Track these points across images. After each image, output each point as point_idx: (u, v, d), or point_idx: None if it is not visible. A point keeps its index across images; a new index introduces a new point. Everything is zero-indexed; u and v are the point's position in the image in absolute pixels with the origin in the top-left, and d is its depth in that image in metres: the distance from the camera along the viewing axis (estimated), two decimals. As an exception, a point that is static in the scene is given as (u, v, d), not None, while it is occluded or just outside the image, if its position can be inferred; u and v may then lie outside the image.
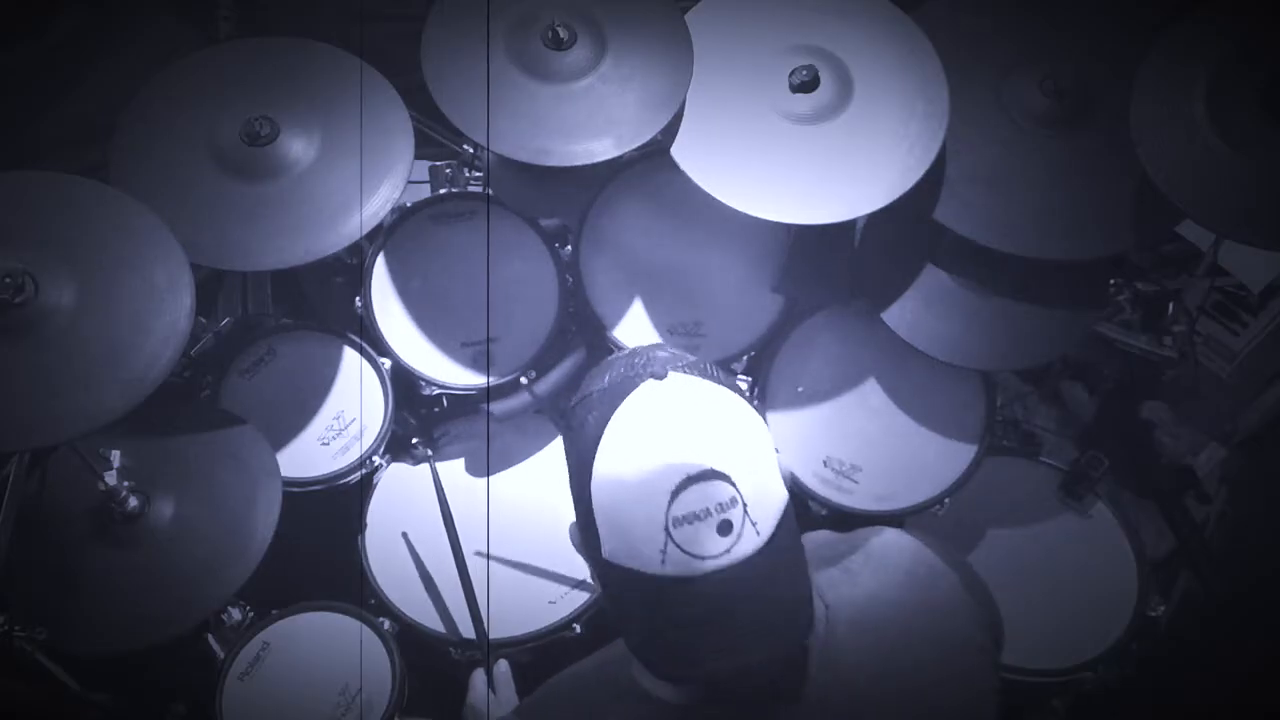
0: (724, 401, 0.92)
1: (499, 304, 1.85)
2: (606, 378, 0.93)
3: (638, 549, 0.88)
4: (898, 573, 1.06)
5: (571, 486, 0.95)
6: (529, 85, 1.62)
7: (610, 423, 0.88)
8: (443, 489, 1.69)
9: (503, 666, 1.38)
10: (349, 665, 1.56)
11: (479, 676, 1.35)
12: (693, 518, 0.87)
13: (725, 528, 0.88)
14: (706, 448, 0.87)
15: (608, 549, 0.90)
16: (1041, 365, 2.25)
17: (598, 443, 0.88)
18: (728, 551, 0.88)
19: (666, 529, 0.86)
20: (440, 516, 1.66)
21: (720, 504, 0.87)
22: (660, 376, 0.90)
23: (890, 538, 1.10)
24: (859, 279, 1.79)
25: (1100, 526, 1.85)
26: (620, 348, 1.82)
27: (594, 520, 0.90)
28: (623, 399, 0.89)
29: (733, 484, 0.88)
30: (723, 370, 0.96)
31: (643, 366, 0.92)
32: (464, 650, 1.63)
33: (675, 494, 0.86)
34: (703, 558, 0.87)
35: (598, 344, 1.86)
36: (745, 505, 0.89)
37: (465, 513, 1.76)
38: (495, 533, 1.74)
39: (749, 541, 0.89)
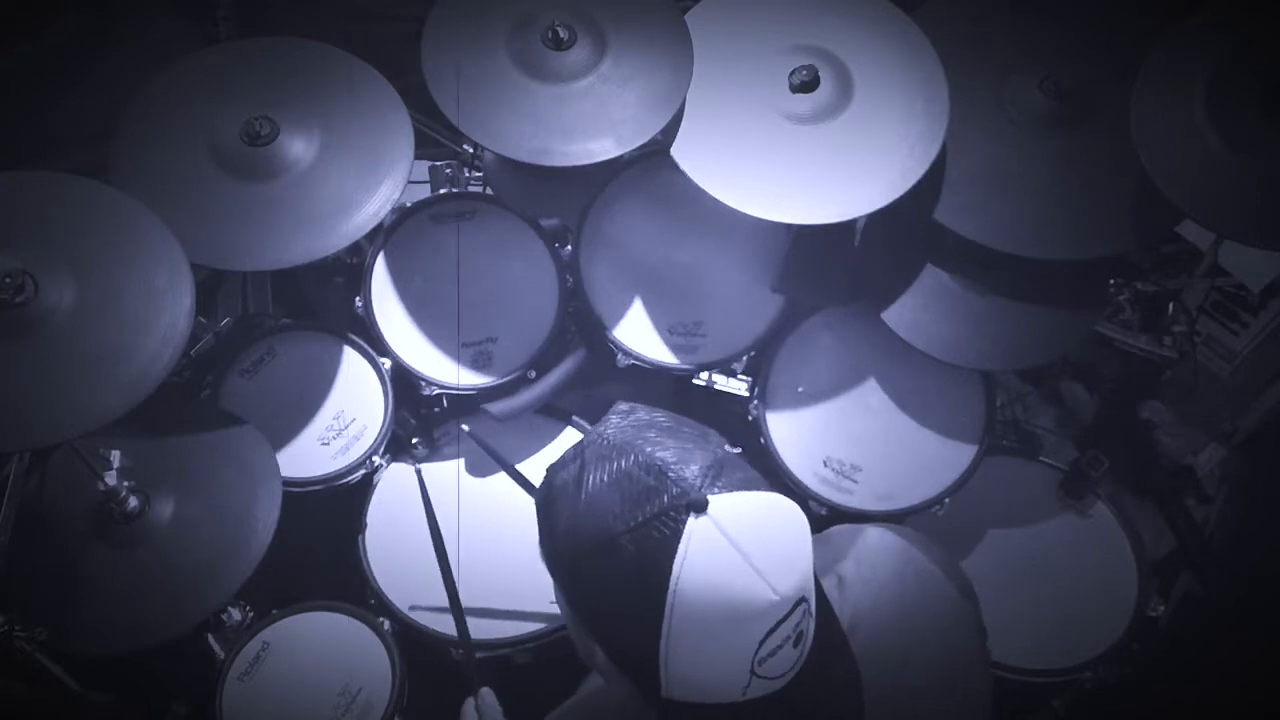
0: (768, 511, 0.86)
1: (499, 304, 1.85)
2: (612, 488, 0.84)
3: (715, 691, 0.84)
4: (889, 578, 1.05)
5: (580, 598, 0.89)
6: (529, 85, 1.62)
7: (675, 582, 0.80)
8: (430, 500, 1.60)
9: (488, 697, 1.33)
10: (349, 665, 1.56)
11: (469, 708, 1.34)
12: (776, 649, 0.83)
13: (799, 639, 0.85)
14: (781, 580, 0.82)
15: (673, 692, 0.85)
16: (1041, 365, 2.25)
17: (655, 594, 0.81)
18: (800, 655, 0.86)
19: (752, 670, 0.83)
20: (429, 527, 1.61)
21: (797, 623, 0.84)
22: (699, 506, 0.82)
23: (874, 540, 1.09)
24: (859, 279, 1.79)
25: (1100, 526, 1.85)
26: (620, 347, 1.82)
27: (653, 667, 0.83)
28: (672, 549, 0.81)
29: (807, 599, 0.85)
30: (723, 445, 0.90)
31: (666, 490, 0.83)
32: (464, 650, 1.63)
33: (763, 640, 0.82)
34: (783, 675, 0.85)
35: (598, 344, 1.86)
36: (810, 607, 0.86)
37: (465, 512, 1.76)
38: (493, 533, 1.74)
39: (811, 633, 0.87)
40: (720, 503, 0.82)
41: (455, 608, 1.47)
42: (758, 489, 0.86)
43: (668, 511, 0.82)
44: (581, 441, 0.92)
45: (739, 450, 0.91)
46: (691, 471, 0.84)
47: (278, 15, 2.17)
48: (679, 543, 0.81)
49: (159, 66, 1.66)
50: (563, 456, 0.93)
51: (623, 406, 0.95)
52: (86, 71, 2.06)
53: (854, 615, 1.00)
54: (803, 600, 0.84)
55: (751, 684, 0.83)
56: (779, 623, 0.82)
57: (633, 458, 0.86)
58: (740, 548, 0.81)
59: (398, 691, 1.54)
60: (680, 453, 0.86)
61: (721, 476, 0.85)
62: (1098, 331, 1.85)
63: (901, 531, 1.11)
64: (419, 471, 1.64)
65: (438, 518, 1.52)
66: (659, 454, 0.86)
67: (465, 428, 1.70)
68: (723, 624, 0.81)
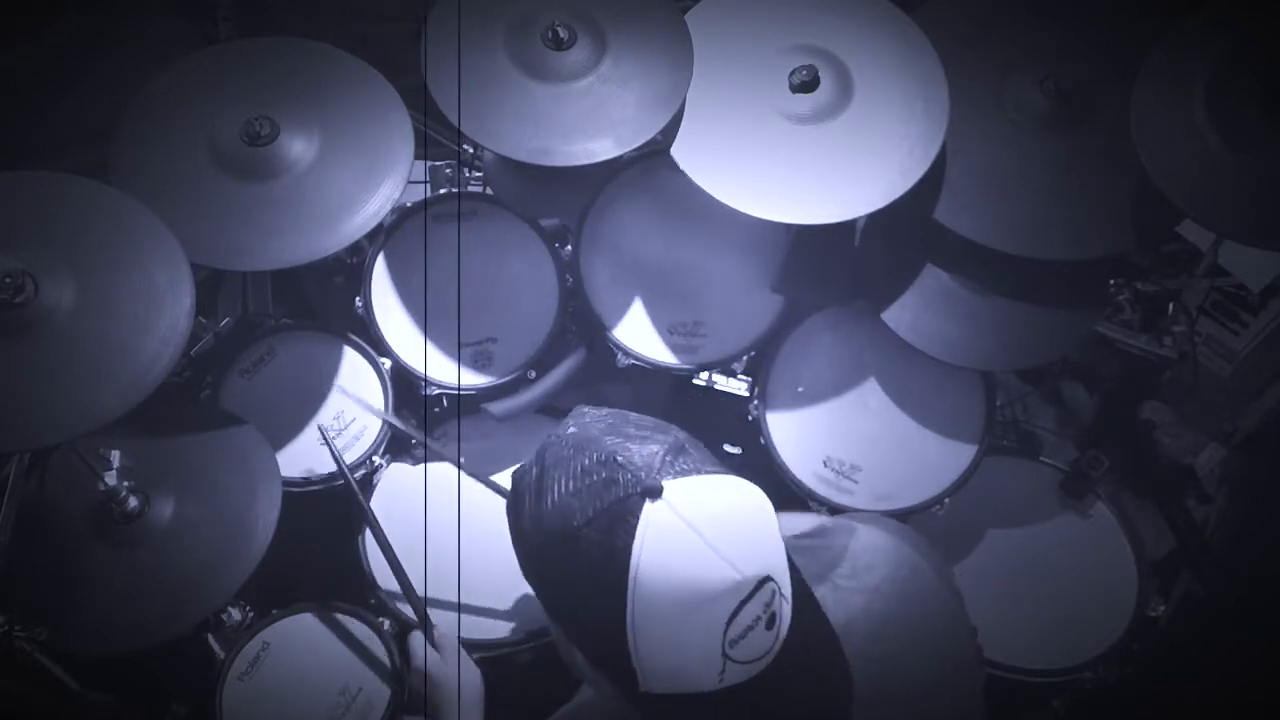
0: (726, 493, 0.86)
1: (499, 304, 1.85)
2: (571, 485, 0.85)
3: (691, 678, 0.84)
4: (882, 580, 1.05)
5: (553, 600, 0.90)
6: (529, 85, 1.62)
7: (635, 569, 0.81)
8: (364, 500, 1.64)
9: (446, 631, 1.35)
10: (349, 665, 1.56)
11: (416, 639, 1.34)
12: (747, 630, 0.83)
13: (772, 620, 0.85)
14: (742, 558, 0.82)
15: (650, 685, 0.85)
16: (1041, 365, 2.25)
17: (617, 585, 0.81)
18: (776, 639, 0.86)
19: (724, 653, 0.83)
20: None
21: (767, 603, 0.84)
22: (654, 491, 0.82)
23: (867, 539, 1.10)
24: (859, 279, 1.79)
25: (1100, 526, 1.85)
26: (620, 348, 1.82)
27: (626, 659, 0.84)
28: (630, 536, 0.81)
29: (774, 579, 0.85)
30: (680, 434, 0.90)
31: (621, 480, 0.83)
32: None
33: (730, 620, 0.82)
34: (759, 659, 0.85)
35: (598, 344, 1.86)
36: (780, 588, 0.86)
37: (465, 513, 1.76)
38: (494, 532, 1.73)
39: (786, 616, 0.87)
40: (676, 487, 0.83)
41: (394, 565, 1.52)
42: (715, 472, 0.87)
43: (624, 500, 0.83)
44: (541, 446, 0.93)
45: (742, 450, 0.92)
46: (645, 460, 0.85)
47: (278, 15, 2.17)
48: (636, 530, 0.81)
49: (159, 66, 1.66)
50: (524, 464, 0.94)
51: (579, 410, 0.96)
52: (86, 71, 2.06)
53: (849, 618, 1.00)
54: (768, 579, 0.84)
55: (727, 669, 0.84)
56: (743, 602, 0.82)
57: (590, 454, 0.87)
58: (698, 530, 0.82)
59: (398, 692, 1.54)
60: (635, 444, 0.87)
61: (677, 462, 0.86)
62: (1098, 331, 1.85)
63: (891, 528, 1.11)
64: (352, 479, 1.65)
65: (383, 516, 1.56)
66: (613, 447, 0.87)
67: (443, 448, 1.71)
68: (685, 607, 0.81)
